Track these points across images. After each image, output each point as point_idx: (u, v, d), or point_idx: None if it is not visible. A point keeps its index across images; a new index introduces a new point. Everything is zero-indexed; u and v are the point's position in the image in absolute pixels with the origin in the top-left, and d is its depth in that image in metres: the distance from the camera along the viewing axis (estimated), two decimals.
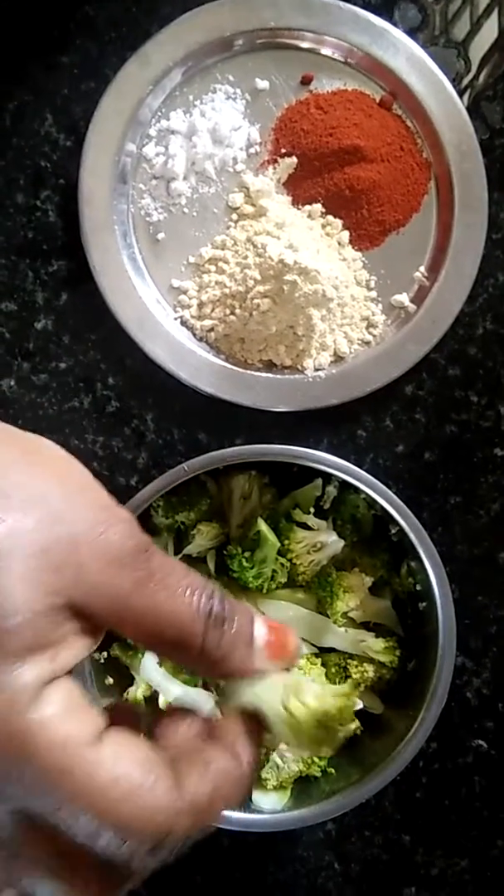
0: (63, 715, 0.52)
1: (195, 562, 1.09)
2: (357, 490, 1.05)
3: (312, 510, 1.11)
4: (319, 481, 1.10)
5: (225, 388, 1.14)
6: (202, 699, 1.05)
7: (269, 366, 1.17)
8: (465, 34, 1.22)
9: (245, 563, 1.04)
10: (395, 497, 1.04)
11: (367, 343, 1.18)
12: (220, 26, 1.15)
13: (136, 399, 1.19)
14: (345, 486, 1.08)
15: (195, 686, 1.06)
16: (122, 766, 0.53)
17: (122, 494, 1.15)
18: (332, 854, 1.20)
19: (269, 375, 1.16)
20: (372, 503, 1.06)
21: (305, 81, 1.18)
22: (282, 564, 1.07)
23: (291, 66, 1.18)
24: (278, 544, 1.06)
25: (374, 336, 1.18)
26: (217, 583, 1.07)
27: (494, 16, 1.22)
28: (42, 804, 0.52)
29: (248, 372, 1.16)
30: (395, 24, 1.19)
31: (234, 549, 1.06)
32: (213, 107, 1.16)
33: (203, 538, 1.07)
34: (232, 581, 1.08)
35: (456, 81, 1.21)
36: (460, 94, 1.20)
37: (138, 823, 0.52)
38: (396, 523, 1.04)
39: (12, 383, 1.17)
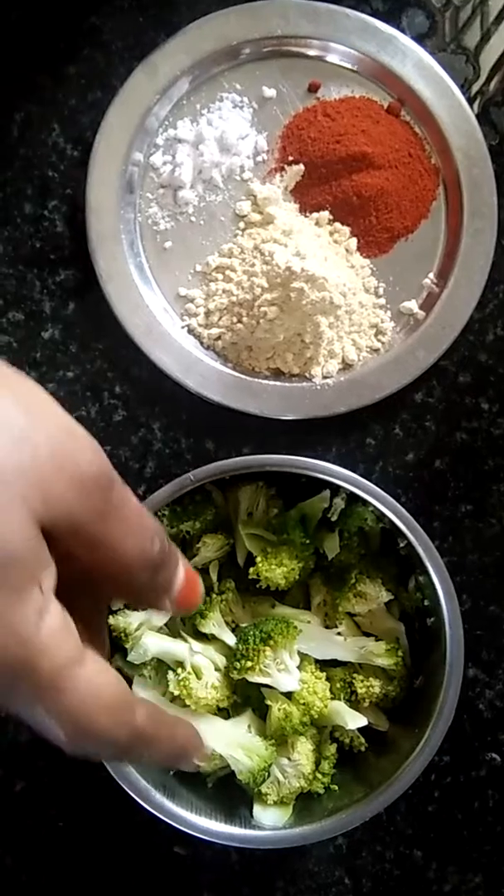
0: (60, 635, 0.58)
1: (200, 572, 1.07)
2: (365, 502, 1.04)
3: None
4: (327, 493, 1.09)
5: (232, 397, 1.14)
6: (180, 648, 1.04)
7: (277, 374, 1.16)
8: (475, 41, 1.22)
9: (274, 565, 1.04)
10: (403, 510, 1.03)
11: (376, 350, 1.17)
12: (228, 35, 1.15)
13: (144, 408, 1.18)
14: (353, 499, 1.06)
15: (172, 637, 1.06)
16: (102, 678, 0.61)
17: None
18: (343, 869, 1.19)
19: (277, 383, 1.15)
20: (380, 516, 1.04)
21: (313, 89, 1.18)
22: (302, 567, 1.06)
23: (298, 73, 1.18)
24: (307, 541, 1.07)
25: (383, 343, 1.17)
26: (224, 587, 1.08)
27: None
28: (32, 713, 0.59)
29: (256, 380, 1.15)
30: (402, 31, 1.19)
31: (264, 551, 1.06)
32: (220, 115, 1.16)
33: (208, 550, 1.07)
34: (237, 587, 1.09)
35: (465, 88, 1.20)
36: (469, 100, 1.19)
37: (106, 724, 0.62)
38: (405, 537, 1.03)
39: None
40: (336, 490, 1.07)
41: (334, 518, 1.11)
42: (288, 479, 1.06)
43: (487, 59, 1.22)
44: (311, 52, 1.18)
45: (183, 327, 1.16)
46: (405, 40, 1.17)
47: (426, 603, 1.07)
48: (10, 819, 1.17)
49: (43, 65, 1.18)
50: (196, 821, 0.99)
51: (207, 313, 1.15)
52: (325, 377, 1.16)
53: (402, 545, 1.07)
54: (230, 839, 1.00)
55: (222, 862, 1.17)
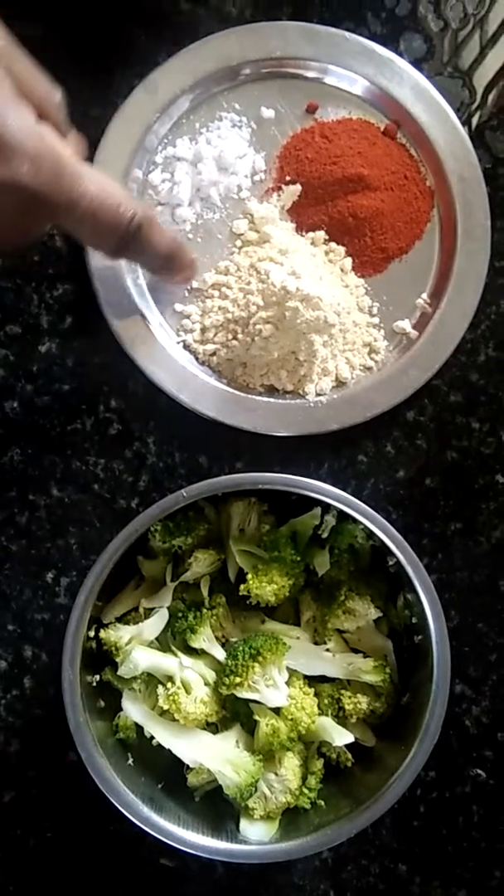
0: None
1: (191, 588, 1.10)
2: (355, 520, 1.04)
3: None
4: (318, 510, 1.10)
5: (226, 413, 1.15)
6: (170, 663, 1.04)
7: (271, 390, 1.17)
8: (470, 63, 1.23)
9: (265, 582, 1.05)
10: (391, 528, 1.04)
11: (369, 369, 1.19)
12: (228, 55, 1.17)
13: (138, 422, 1.19)
14: (343, 516, 1.08)
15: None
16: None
17: (122, 517, 1.18)
18: (328, 883, 1.19)
19: (271, 400, 1.16)
20: (370, 534, 1.05)
21: (311, 110, 1.19)
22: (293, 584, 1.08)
23: (297, 94, 1.19)
24: (297, 558, 1.08)
25: (376, 362, 1.19)
26: (215, 601, 1.09)
27: (501, 44, 1.23)
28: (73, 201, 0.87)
29: (250, 396, 1.16)
30: (400, 55, 1.20)
31: (255, 568, 1.07)
32: (219, 134, 1.18)
33: (200, 565, 1.08)
34: (228, 602, 1.09)
35: (461, 111, 1.22)
36: (465, 122, 1.21)
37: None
38: (394, 555, 1.04)
39: (15, 405, 1.18)
40: (327, 507, 1.08)
41: (325, 535, 1.11)
42: (280, 494, 1.07)
43: (481, 81, 1.24)
44: (310, 74, 1.19)
45: (178, 343, 1.17)
46: (402, 64, 1.19)
47: (414, 620, 1.07)
48: None
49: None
50: (182, 834, 1.00)
51: (203, 329, 1.16)
52: (318, 394, 1.17)
53: (391, 563, 1.08)
54: (216, 853, 1.00)
55: (208, 875, 1.18)
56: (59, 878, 1.18)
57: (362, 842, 1.20)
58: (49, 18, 1.18)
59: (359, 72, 1.19)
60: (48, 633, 1.18)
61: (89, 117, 1.18)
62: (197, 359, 1.17)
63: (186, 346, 1.17)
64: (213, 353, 1.16)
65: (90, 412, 1.19)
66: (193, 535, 1.08)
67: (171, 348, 1.16)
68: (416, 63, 1.21)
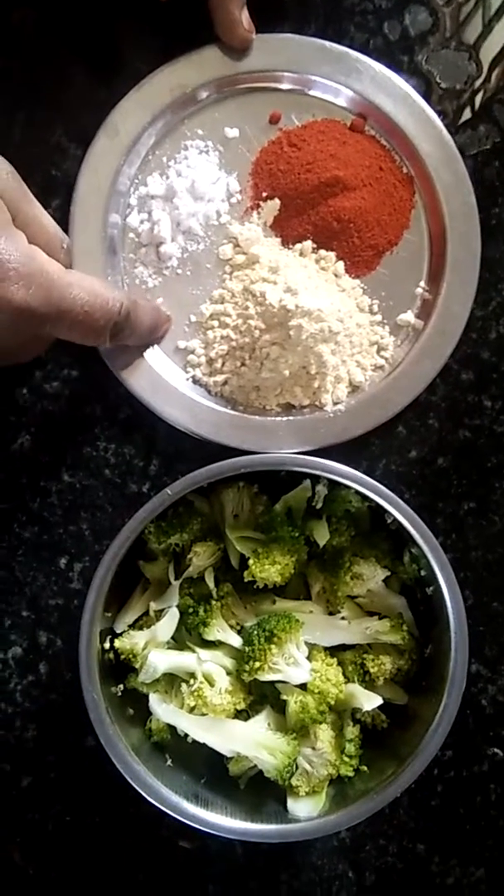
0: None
1: (196, 582, 1.11)
2: (343, 485, 1.05)
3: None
4: (308, 482, 1.10)
5: (250, 440, 1.14)
6: (188, 660, 1.06)
7: (288, 408, 1.17)
8: (476, 37, 1.21)
9: (267, 564, 1.05)
10: (378, 485, 1.03)
11: (381, 368, 1.18)
12: (182, 83, 1.16)
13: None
14: (335, 483, 1.07)
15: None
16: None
17: (134, 501, 1.19)
18: (347, 863, 1.20)
19: (290, 418, 1.16)
20: (365, 496, 1.05)
21: (273, 121, 1.18)
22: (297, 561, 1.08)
23: (257, 108, 1.18)
24: (300, 536, 1.08)
25: (387, 359, 1.18)
26: (222, 591, 1.10)
27: None
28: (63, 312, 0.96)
29: (269, 418, 1.16)
30: (405, 28, 1.21)
31: (255, 552, 1.07)
32: (187, 164, 1.17)
33: (200, 559, 1.08)
34: (235, 588, 1.11)
35: (467, 84, 1.20)
36: (471, 97, 1.18)
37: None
38: (389, 513, 1.04)
39: (24, 391, 1.19)
40: (316, 478, 1.09)
41: (319, 505, 1.12)
42: (268, 475, 1.08)
43: (487, 55, 1.22)
44: (266, 85, 1.18)
45: (188, 379, 1.17)
46: (358, 56, 1.17)
47: (422, 573, 1.08)
48: (18, 814, 1.20)
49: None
50: (202, 814, 1.01)
51: (210, 361, 1.16)
52: (335, 403, 1.16)
53: (390, 521, 1.08)
54: (265, 836, 1.02)
55: (227, 856, 1.19)
56: (78, 861, 1.20)
57: (380, 821, 1.21)
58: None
59: (315, 73, 1.17)
60: (63, 619, 1.20)
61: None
62: (209, 391, 1.17)
63: (196, 381, 1.17)
64: (225, 383, 1.16)
65: (100, 397, 1.19)
66: (188, 531, 1.09)
67: (181, 385, 1.16)
68: (421, 36, 1.21)
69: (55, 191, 1.18)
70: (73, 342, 1.01)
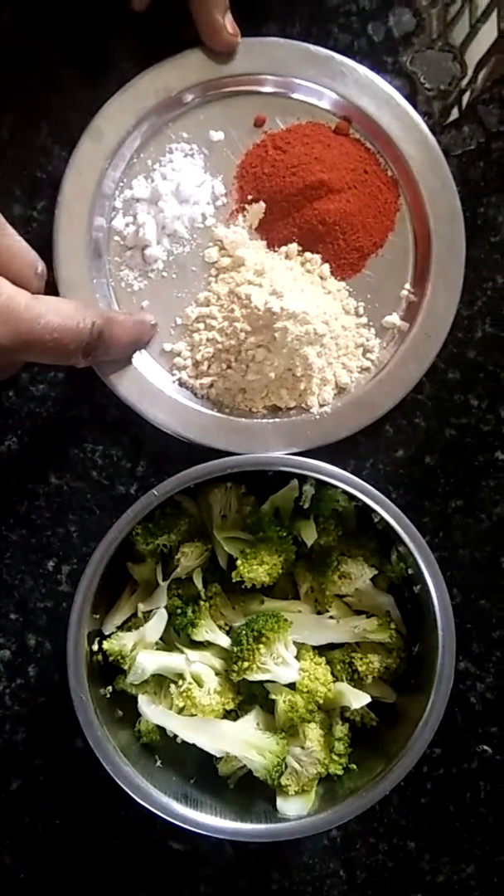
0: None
1: (184, 583, 1.11)
2: (329, 484, 1.05)
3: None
4: (295, 482, 1.11)
5: (235, 443, 1.15)
6: (177, 660, 1.06)
7: (275, 410, 1.17)
8: (462, 38, 1.21)
9: (255, 564, 1.06)
10: (365, 485, 1.04)
11: (367, 370, 1.18)
12: (167, 86, 1.16)
13: None
14: (322, 483, 1.08)
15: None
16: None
17: (122, 503, 1.19)
18: (338, 861, 1.21)
19: (277, 420, 1.16)
20: (352, 495, 1.05)
21: (258, 124, 1.18)
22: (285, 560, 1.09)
23: (242, 111, 1.18)
24: (287, 536, 1.09)
25: (373, 361, 1.18)
26: (210, 591, 1.10)
27: (493, 19, 1.21)
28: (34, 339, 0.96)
29: (255, 420, 1.16)
30: (390, 30, 1.20)
31: (243, 552, 1.07)
32: (172, 167, 1.16)
33: (188, 560, 1.09)
34: (224, 589, 1.11)
35: (452, 85, 1.20)
36: (458, 97, 1.18)
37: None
38: (375, 511, 1.04)
39: (11, 394, 1.19)
40: (304, 478, 1.09)
41: (307, 505, 1.13)
42: (255, 475, 1.09)
43: (473, 55, 1.22)
44: (251, 88, 1.18)
45: (174, 381, 1.17)
46: (341, 59, 1.17)
47: (410, 572, 1.08)
48: (7, 817, 1.20)
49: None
50: (192, 815, 1.02)
51: (196, 364, 1.16)
52: (322, 405, 1.16)
53: (377, 520, 1.08)
54: (253, 836, 1.02)
55: (218, 856, 1.20)
56: (69, 863, 1.20)
57: (370, 820, 1.21)
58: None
59: (299, 76, 1.17)
60: (51, 621, 1.20)
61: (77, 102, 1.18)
62: (195, 394, 1.17)
63: (182, 384, 1.17)
64: (211, 386, 1.16)
65: (87, 399, 1.19)
66: (176, 531, 1.10)
67: (167, 388, 1.16)
68: (406, 38, 1.21)
69: (41, 193, 1.19)
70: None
